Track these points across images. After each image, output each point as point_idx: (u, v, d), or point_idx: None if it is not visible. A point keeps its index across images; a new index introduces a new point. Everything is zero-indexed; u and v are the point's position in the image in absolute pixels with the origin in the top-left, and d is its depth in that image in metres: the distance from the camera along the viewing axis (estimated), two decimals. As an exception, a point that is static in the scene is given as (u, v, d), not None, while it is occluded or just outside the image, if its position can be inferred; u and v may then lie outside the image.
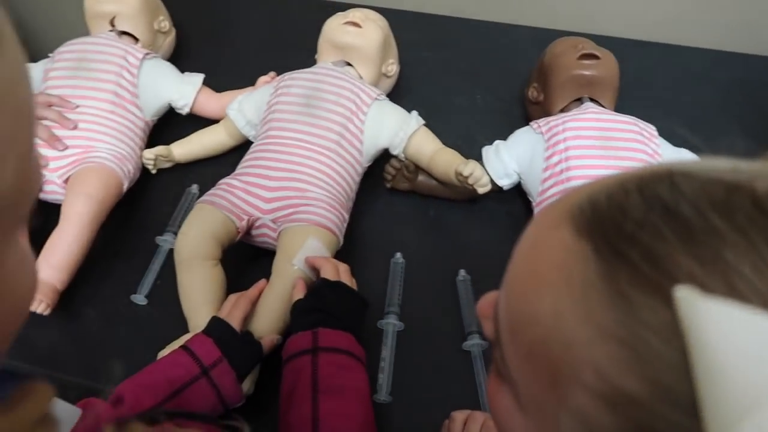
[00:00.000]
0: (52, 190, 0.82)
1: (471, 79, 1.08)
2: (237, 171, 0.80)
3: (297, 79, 0.85)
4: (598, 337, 0.22)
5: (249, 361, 0.63)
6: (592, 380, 0.23)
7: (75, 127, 0.83)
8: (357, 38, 0.87)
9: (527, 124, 0.96)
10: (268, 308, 0.69)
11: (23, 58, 0.24)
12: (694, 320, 0.20)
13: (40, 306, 0.70)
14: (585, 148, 0.77)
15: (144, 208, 0.89)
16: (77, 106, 0.85)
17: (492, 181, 0.83)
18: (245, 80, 1.00)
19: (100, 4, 0.92)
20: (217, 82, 1.01)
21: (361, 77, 0.89)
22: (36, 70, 0.90)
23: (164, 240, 0.82)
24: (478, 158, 0.88)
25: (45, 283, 0.72)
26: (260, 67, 1.06)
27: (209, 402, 0.58)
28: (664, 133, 0.89)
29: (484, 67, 1.09)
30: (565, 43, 0.89)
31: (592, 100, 0.85)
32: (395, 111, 0.86)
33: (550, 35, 1.12)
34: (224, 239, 0.74)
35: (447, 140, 0.95)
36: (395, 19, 1.16)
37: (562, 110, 0.86)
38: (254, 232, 0.77)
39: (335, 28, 0.88)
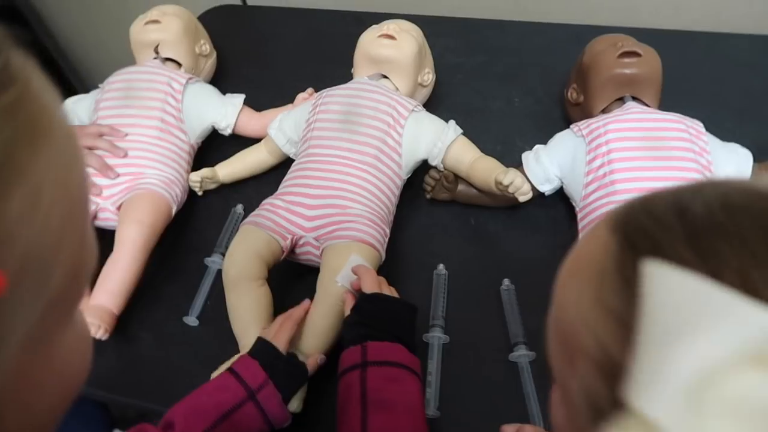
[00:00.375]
0: (106, 217, 0.86)
1: (508, 82, 1.07)
2: (279, 190, 0.82)
3: (334, 96, 0.86)
4: (603, 317, 0.26)
5: (294, 383, 0.64)
6: (594, 352, 0.26)
7: (125, 155, 0.87)
8: (392, 50, 0.88)
9: (568, 126, 0.95)
10: (315, 326, 0.70)
11: (74, 139, 0.24)
12: (649, 284, 0.22)
13: (99, 331, 0.73)
14: (629, 150, 0.75)
15: (192, 229, 0.92)
16: (127, 134, 0.88)
17: (533, 187, 0.82)
18: (285, 97, 1.03)
19: (144, 33, 0.96)
20: (257, 101, 1.03)
21: (397, 89, 0.89)
22: (87, 100, 0.94)
23: (212, 261, 0.84)
24: (518, 163, 0.87)
25: (102, 308, 0.75)
26: (299, 83, 1.08)
27: (257, 425, 0.59)
28: (712, 127, 0.86)
29: (521, 69, 1.08)
30: (604, 42, 0.87)
31: (634, 98, 0.83)
32: (432, 122, 0.86)
33: (587, 32, 1.10)
34: (269, 259, 0.76)
35: (486, 146, 0.94)
36: (429, 26, 1.16)
37: (604, 111, 0.84)
38: (298, 250, 0.79)
39: (370, 42, 0.89)
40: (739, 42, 1.08)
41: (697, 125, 0.79)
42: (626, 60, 0.81)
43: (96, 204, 0.85)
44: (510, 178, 0.75)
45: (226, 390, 0.60)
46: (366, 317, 0.64)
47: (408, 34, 0.89)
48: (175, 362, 0.77)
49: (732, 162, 0.78)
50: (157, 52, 0.97)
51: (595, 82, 0.84)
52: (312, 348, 0.69)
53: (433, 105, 1.00)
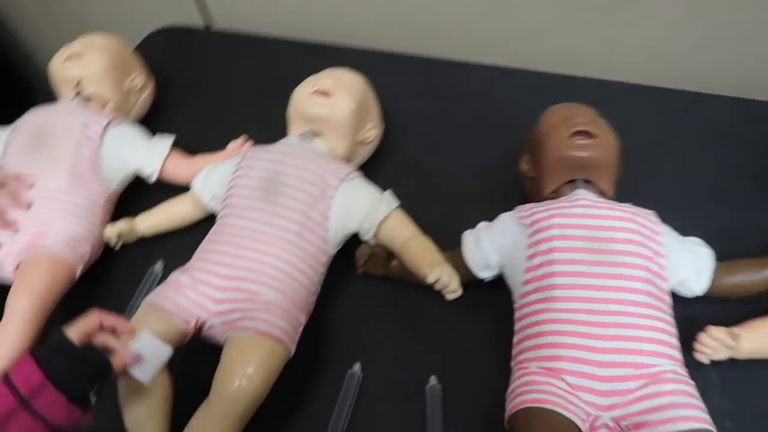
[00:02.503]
0: (3, 276, 0.78)
1: (466, 134, 0.98)
2: (190, 262, 0.75)
3: (258, 159, 0.78)
4: None
5: (87, 381, 0.54)
6: None
7: (28, 208, 0.79)
8: (325, 109, 0.80)
9: (522, 194, 0.87)
10: (206, 428, 0.63)
11: None
12: None
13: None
14: (572, 251, 0.68)
15: (106, 287, 0.85)
16: (33, 185, 0.81)
17: (472, 273, 0.75)
18: (226, 134, 0.94)
19: (62, 69, 0.87)
20: (196, 137, 0.96)
21: (331, 151, 0.82)
22: (2, 138, 0.86)
23: (118, 330, 0.78)
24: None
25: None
26: (244, 123, 1.01)
27: None
28: (680, 205, 0.79)
29: (482, 120, 1.00)
30: (558, 115, 0.78)
31: (587, 182, 0.75)
32: (366, 193, 0.78)
33: (558, 83, 1.02)
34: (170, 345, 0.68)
35: (434, 213, 0.87)
36: (387, 63, 1.08)
37: (554, 192, 0.76)
38: (205, 333, 0.72)
39: (303, 98, 0.81)
40: (718, 105, 0.99)
41: (651, 222, 0.71)
42: (578, 141, 0.73)
43: (-7, 260, 0.77)
44: (436, 275, 0.67)
45: None
46: None
47: (345, 91, 0.81)
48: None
49: (688, 265, 0.71)
50: (78, 90, 0.89)
51: (546, 160, 0.76)
52: (202, 457, 0.63)
53: (378, 161, 0.92)
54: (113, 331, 0.59)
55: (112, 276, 0.86)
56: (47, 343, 0.55)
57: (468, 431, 0.70)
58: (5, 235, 0.78)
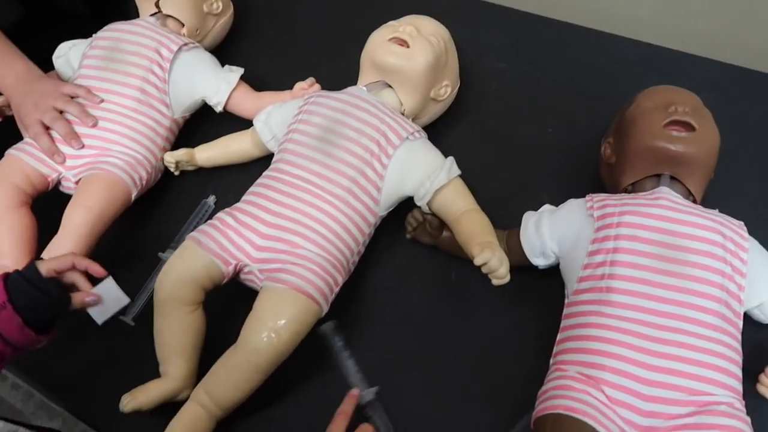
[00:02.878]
0: (68, 187, 0.81)
1: (548, 103, 0.90)
2: (238, 203, 0.74)
3: (321, 105, 0.75)
4: None
5: (44, 309, 0.60)
6: None
7: (95, 125, 0.80)
8: (400, 60, 0.74)
9: (597, 180, 0.80)
10: (230, 374, 0.64)
11: None
12: None
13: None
14: (639, 254, 0.61)
15: (159, 214, 0.86)
16: (102, 101, 0.81)
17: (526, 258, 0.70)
18: (297, 73, 0.91)
19: (143, -15, 0.86)
20: (266, 71, 0.93)
21: (401, 104, 0.77)
22: (74, 52, 0.87)
23: (165, 256, 0.79)
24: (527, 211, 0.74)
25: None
26: (319, 60, 0.97)
27: None
28: None
29: (569, 89, 0.91)
30: (657, 97, 0.70)
31: (673, 178, 0.67)
32: (427, 156, 0.73)
33: (664, 58, 0.91)
34: (207, 283, 0.69)
35: (498, 185, 0.82)
36: (473, 13, 1.00)
37: (633, 185, 0.69)
38: (242, 276, 0.71)
39: (378, 45, 0.76)
40: None
41: (739, 235, 0.62)
42: (674, 133, 0.65)
43: (59, 172, 0.80)
44: (485, 257, 0.63)
45: None
46: None
47: (425, 40, 0.75)
48: (93, 360, 0.74)
49: (771, 289, 0.63)
50: (158, 7, 0.87)
51: (631, 148, 0.68)
52: (221, 398, 0.64)
53: (449, 121, 0.86)
54: (86, 273, 0.65)
55: (165, 203, 0.87)
56: (20, 270, 0.61)
57: (491, 417, 0.67)
58: (69, 150, 0.79)
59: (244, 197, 0.74)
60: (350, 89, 0.78)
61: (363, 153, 0.71)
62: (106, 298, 0.65)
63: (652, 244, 0.61)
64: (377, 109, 0.73)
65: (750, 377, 0.62)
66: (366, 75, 0.78)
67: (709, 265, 0.60)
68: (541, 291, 0.74)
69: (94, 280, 0.67)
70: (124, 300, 0.67)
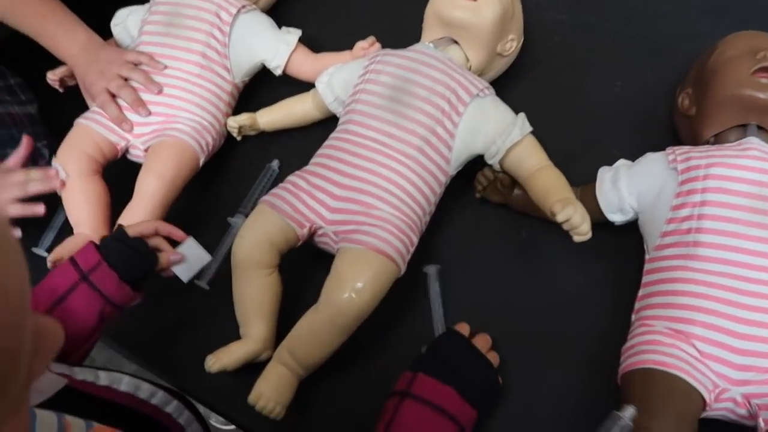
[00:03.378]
0: (136, 155, 0.81)
1: (615, 57, 0.87)
2: (309, 166, 0.73)
3: (388, 64, 0.73)
4: None
5: (134, 266, 0.62)
6: None
7: (160, 92, 0.80)
8: (467, 15, 0.72)
9: (673, 134, 0.77)
10: (312, 334, 0.65)
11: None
12: None
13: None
14: (728, 207, 0.59)
15: (224, 179, 0.86)
16: (165, 67, 0.81)
17: (602, 213, 0.69)
18: (354, 32, 0.89)
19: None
20: (321, 32, 0.92)
21: (468, 60, 0.75)
22: (132, 19, 0.86)
23: (235, 221, 0.80)
24: (598, 169, 0.73)
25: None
26: (373, 18, 0.95)
27: (96, 305, 0.59)
28: None
29: (636, 43, 0.88)
30: (742, 43, 0.67)
31: (760, 128, 0.64)
32: (497, 113, 0.72)
33: (738, 2, 0.86)
34: (283, 246, 0.69)
35: (564, 142, 0.80)
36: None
37: (716, 137, 0.67)
38: (317, 238, 0.72)
39: (444, 0, 0.73)
40: None
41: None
42: (764, 80, 0.62)
43: (127, 140, 0.80)
44: (567, 214, 0.62)
45: (61, 275, 0.60)
46: (442, 354, 0.61)
47: (494, -6, 0.72)
48: (173, 324, 0.76)
49: None
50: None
51: (715, 97, 0.66)
52: (304, 357, 0.65)
53: (512, 77, 0.84)
54: (167, 238, 0.68)
55: (229, 168, 0.87)
56: (107, 235, 0.64)
57: (568, 374, 0.67)
58: (136, 118, 0.80)
59: (314, 159, 0.74)
60: (417, 46, 0.76)
61: (434, 111, 0.70)
62: (189, 257, 0.68)
63: (741, 196, 0.60)
64: (446, 66, 0.72)
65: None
66: (430, 31, 0.76)
67: (803, 216, 0.58)
68: (617, 248, 0.73)
69: (175, 245, 0.68)
70: (206, 257, 0.69)
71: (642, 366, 0.58)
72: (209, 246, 0.79)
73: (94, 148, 0.78)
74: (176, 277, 0.69)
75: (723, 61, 0.66)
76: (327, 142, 0.74)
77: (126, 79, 0.80)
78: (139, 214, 0.74)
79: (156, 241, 0.66)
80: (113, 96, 0.80)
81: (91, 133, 0.79)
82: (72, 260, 0.60)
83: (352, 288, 0.63)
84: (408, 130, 0.69)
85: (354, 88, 0.75)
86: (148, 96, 0.80)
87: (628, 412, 0.53)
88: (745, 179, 0.60)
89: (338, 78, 0.79)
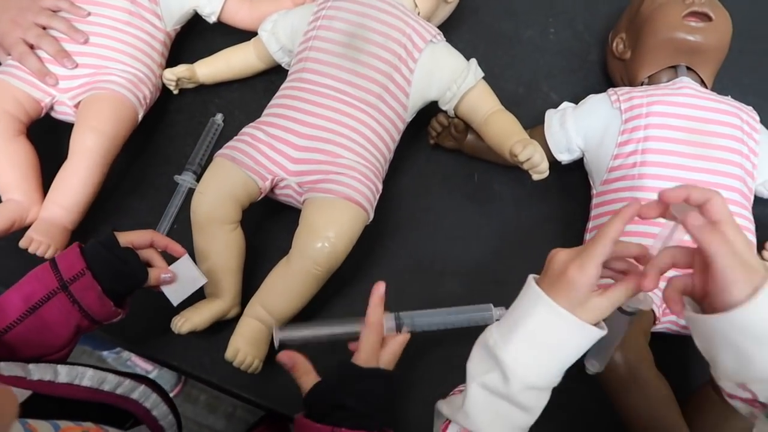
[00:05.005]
0: (63, 111, 0.74)
1: (548, 6, 0.91)
2: (264, 116, 0.71)
3: (341, 9, 0.72)
4: None
5: (123, 279, 0.56)
6: None
7: (86, 41, 0.73)
8: (417, -41, 0.72)
9: (605, 77, 0.83)
10: (286, 285, 0.64)
11: None
12: None
13: (48, 251, 0.66)
14: (669, 141, 0.65)
15: (164, 136, 0.81)
16: (89, 14, 0.74)
17: (549, 154, 0.73)
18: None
19: None
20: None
21: (416, 6, 0.75)
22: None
23: (183, 180, 0.76)
24: (539, 112, 0.77)
25: (53, 223, 0.68)
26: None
27: (72, 319, 0.54)
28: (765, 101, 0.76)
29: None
30: (673, -10, 0.72)
31: (689, 69, 0.71)
32: (450, 59, 0.73)
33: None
34: (245, 200, 0.67)
35: (507, 85, 0.83)
36: None
37: (650, 78, 0.72)
38: (278, 191, 0.70)
39: (393, -56, 0.72)
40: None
41: (753, 118, 0.68)
42: (693, 23, 0.68)
43: (52, 96, 0.73)
44: (528, 153, 0.65)
45: (38, 279, 0.54)
46: (345, 394, 0.52)
47: (441, -62, 0.73)
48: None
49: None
50: None
51: (650, 41, 0.71)
52: (277, 310, 0.64)
53: (454, 25, 0.85)
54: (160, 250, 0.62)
55: (168, 124, 0.82)
56: (96, 238, 0.57)
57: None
58: (61, 70, 0.73)
59: (268, 111, 0.71)
60: (367, -9, 0.75)
61: (391, 58, 0.69)
62: (182, 277, 0.61)
63: (680, 130, 0.65)
64: (399, 11, 0.72)
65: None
66: (378, -24, 0.75)
67: (731, 146, 0.65)
68: (564, 187, 0.78)
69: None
70: (201, 280, 0.62)
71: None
72: (157, 207, 0.76)
73: (16, 106, 0.71)
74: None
75: (656, 6, 0.71)
76: (281, 92, 0.72)
77: (45, 28, 0.72)
78: (78, 174, 0.69)
79: (148, 254, 0.60)
80: (31, 47, 0.72)
81: (10, 90, 0.71)
82: (53, 263, 0.54)
83: (325, 237, 0.63)
84: (367, 78, 0.69)
85: (304, 36, 0.73)
86: (72, 46, 0.73)
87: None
88: (683, 115, 0.66)
89: (283, 25, 0.76)
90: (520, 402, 0.46)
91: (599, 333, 0.46)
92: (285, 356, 0.56)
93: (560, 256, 0.47)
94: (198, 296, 0.67)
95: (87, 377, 0.53)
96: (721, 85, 0.75)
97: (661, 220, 0.45)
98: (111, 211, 0.75)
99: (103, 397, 0.54)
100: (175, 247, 0.62)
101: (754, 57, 0.85)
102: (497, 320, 0.51)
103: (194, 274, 0.62)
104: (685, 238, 0.44)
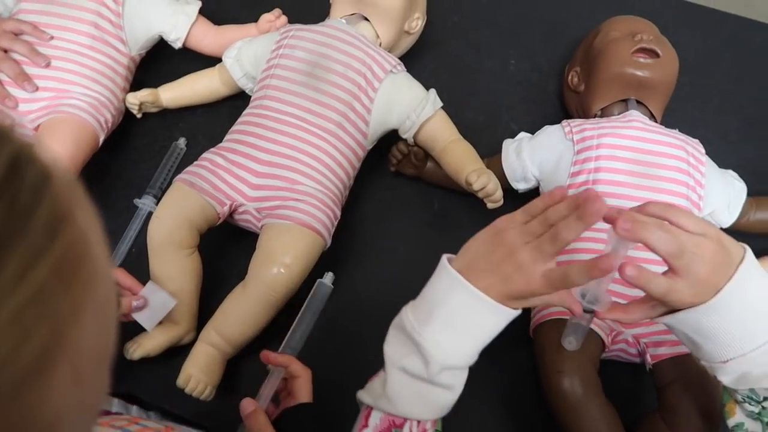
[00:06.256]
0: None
1: (508, 37, 0.93)
2: (224, 142, 0.72)
3: (303, 39, 0.73)
4: None
5: None
6: None
7: (48, 65, 0.73)
8: (378, -10, 0.74)
9: (561, 107, 0.85)
10: (241, 311, 0.64)
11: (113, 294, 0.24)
12: None
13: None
14: (618, 172, 0.67)
15: (126, 159, 0.81)
16: (51, 38, 0.74)
17: (507, 182, 0.75)
18: (258, 6, 0.87)
19: None
20: (221, 4, 0.88)
21: (378, 37, 0.77)
22: (8, -15, 0.78)
23: (143, 203, 0.76)
24: (499, 141, 0.79)
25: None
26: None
27: None
28: (715, 138, 0.79)
29: (528, 25, 0.94)
30: (622, 26, 0.75)
31: (639, 102, 0.73)
32: (410, 89, 0.75)
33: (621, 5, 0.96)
34: (202, 225, 0.68)
35: (468, 113, 0.85)
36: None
37: (602, 110, 0.75)
38: (237, 216, 0.71)
39: (354, -24, 0.74)
40: (769, 35, 0.96)
41: (698, 151, 0.71)
42: (641, 60, 0.70)
43: (11, 119, 0.73)
44: (482, 182, 0.66)
45: None
46: None
47: (400, -29, 0.75)
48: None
49: (723, 196, 0.72)
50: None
51: (601, 75, 0.73)
52: (232, 336, 0.64)
53: (417, 54, 0.87)
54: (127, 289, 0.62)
55: (130, 147, 0.82)
56: None
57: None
58: (22, 93, 0.73)
59: (230, 136, 0.72)
60: (329, 22, 0.76)
61: (351, 87, 0.71)
62: (153, 302, 0.62)
63: (628, 162, 0.68)
64: (360, 42, 0.73)
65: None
66: (341, 7, 0.77)
67: (676, 178, 0.67)
68: (520, 213, 0.79)
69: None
70: (171, 302, 0.63)
71: (549, 318, 0.64)
72: (116, 230, 0.76)
73: (-27, 127, 0.70)
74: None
75: (607, 42, 0.74)
76: (242, 119, 0.73)
77: (6, 51, 0.72)
78: (35, 198, 0.68)
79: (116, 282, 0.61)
80: (-8, 69, 0.72)
81: (-32, 111, 0.71)
82: None
83: (281, 263, 0.63)
84: (327, 106, 0.70)
85: (267, 63, 0.74)
86: (34, 70, 0.73)
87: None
88: (631, 147, 0.68)
89: (247, 53, 0.77)
90: (441, 383, 0.47)
91: (517, 313, 0.46)
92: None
93: (511, 235, 0.45)
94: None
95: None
96: (672, 118, 0.78)
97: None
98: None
99: None
100: (138, 289, 0.62)
101: (704, 90, 0.88)
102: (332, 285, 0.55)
103: (163, 298, 0.63)
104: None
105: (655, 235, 0.42)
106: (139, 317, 0.61)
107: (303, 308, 0.62)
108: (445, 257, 0.49)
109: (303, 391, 0.56)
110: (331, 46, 0.72)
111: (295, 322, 0.61)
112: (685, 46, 0.90)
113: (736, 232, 0.75)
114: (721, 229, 0.74)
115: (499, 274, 0.45)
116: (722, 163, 0.75)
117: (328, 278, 0.62)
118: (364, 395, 0.50)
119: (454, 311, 0.46)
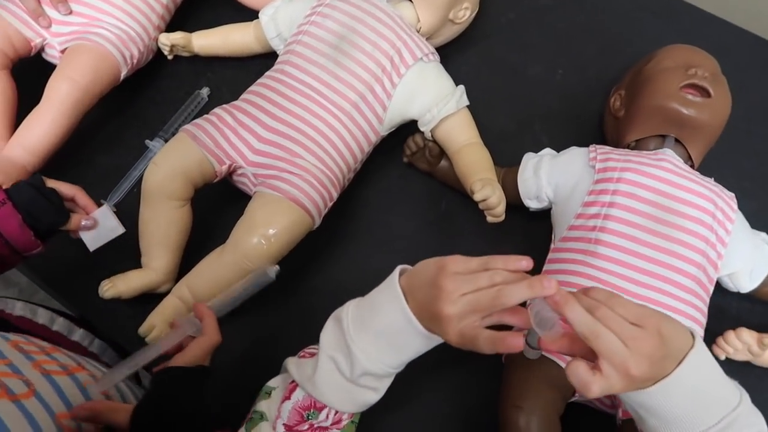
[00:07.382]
0: (52, 55, 0.75)
1: (561, 44, 0.88)
2: (238, 101, 0.70)
3: (336, 9, 0.70)
4: None
5: (44, 214, 0.58)
6: None
7: (80, -8, 0.74)
8: (425, -27, 0.70)
9: (600, 130, 0.80)
10: (214, 273, 0.64)
11: None
12: None
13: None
14: (633, 212, 0.62)
15: (148, 99, 0.82)
16: (91, -36, 0.74)
17: (520, 197, 0.71)
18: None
19: None
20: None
21: (419, 21, 0.73)
22: None
23: (153, 145, 0.76)
24: (523, 152, 0.74)
25: (13, 162, 0.69)
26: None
27: None
28: (754, 189, 0.74)
29: (585, 34, 0.88)
30: (678, 56, 0.69)
31: (677, 141, 0.67)
32: (437, 81, 0.71)
33: (681, 9, 0.88)
34: (198, 180, 0.67)
35: (499, 119, 0.81)
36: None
37: (637, 142, 0.69)
38: (235, 177, 0.70)
39: (403, -46, 0.71)
40: None
41: (729, 206, 0.64)
42: (689, 96, 0.64)
43: (43, 38, 0.74)
44: (485, 194, 0.63)
45: None
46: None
47: (453, -43, 0.70)
48: (75, 244, 0.72)
49: (748, 260, 0.65)
50: None
51: (643, 105, 0.67)
52: (202, 296, 0.64)
53: (460, 48, 0.83)
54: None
55: (155, 88, 0.82)
56: (23, 180, 0.59)
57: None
58: (56, 14, 0.73)
59: (244, 96, 0.71)
60: (369, -5, 0.73)
61: (375, 68, 0.68)
62: (102, 225, 0.64)
63: (647, 203, 0.62)
64: (394, 22, 0.70)
65: (708, 338, 0.66)
66: (385, -17, 0.74)
67: (696, 231, 0.62)
68: (527, 233, 0.75)
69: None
70: (119, 230, 0.65)
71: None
72: (124, 167, 0.76)
73: (5, 41, 0.72)
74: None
75: (657, 70, 0.68)
76: (261, 80, 0.71)
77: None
78: (46, 119, 0.69)
79: (69, 205, 0.62)
80: (32, -13, 0.72)
81: (3, 24, 0.72)
82: None
83: (262, 234, 0.62)
84: (346, 83, 0.67)
85: (297, 28, 0.72)
86: (70, -8, 0.74)
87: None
88: (653, 188, 0.63)
89: (284, 14, 0.75)
90: (365, 384, 0.49)
91: (441, 340, 0.47)
92: (82, 410, 0.47)
93: (452, 282, 0.45)
94: (134, 266, 0.67)
95: (18, 307, 0.57)
96: (717, 165, 0.72)
97: None
98: (76, 162, 0.76)
99: (38, 330, 0.57)
100: (93, 209, 0.63)
101: (761, 141, 0.81)
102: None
103: (113, 224, 0.65)
104: None
105: (575, 312, 0.41)
106: (85, 236, 0.64)
107: (242, 284, 0.60)
108: (398, 269, 0.50)
109: (195, 349, 0.53)
110: (363, 21, 0.69)
111: (228, 292, 0.60)
112: (752, 89, 0.83)
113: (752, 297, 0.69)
114: (739, 293, 0.68)
115: (428, 312, 0.46)
116: (759, 224, 0.69)
117: (272, 271, 0.59)
118: (293, 369, 0.51)
119: (387, 326, 0.47)
